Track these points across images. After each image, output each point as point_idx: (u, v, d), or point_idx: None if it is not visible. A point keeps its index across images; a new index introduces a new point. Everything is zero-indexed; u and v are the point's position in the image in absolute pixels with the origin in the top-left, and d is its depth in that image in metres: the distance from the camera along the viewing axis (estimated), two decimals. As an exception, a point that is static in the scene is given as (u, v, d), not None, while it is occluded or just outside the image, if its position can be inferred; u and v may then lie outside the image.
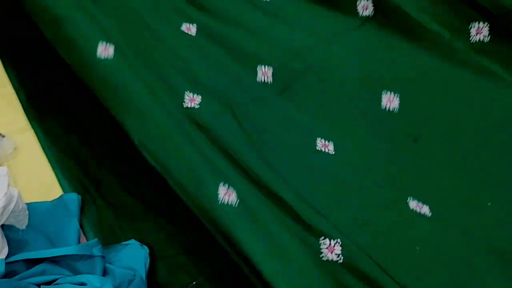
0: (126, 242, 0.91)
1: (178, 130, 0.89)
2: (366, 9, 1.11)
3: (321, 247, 0.78)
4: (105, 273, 0.82)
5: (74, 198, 0.97)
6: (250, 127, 0.95)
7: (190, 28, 1.07)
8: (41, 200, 0.95)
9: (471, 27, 1.04)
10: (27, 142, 1.08)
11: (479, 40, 1.03)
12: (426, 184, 0.92)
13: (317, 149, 0.94)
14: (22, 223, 0.82)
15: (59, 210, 0.94)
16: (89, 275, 0.77)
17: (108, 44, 0.97)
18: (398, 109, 1.01)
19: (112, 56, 0.96)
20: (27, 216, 0.82)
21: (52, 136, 1.09)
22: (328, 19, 1.12)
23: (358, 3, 1.11)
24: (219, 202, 0.81)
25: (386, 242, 0.83)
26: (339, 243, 0.78)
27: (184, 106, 0.93)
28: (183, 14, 1.09)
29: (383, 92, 1.02)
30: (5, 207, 0.75)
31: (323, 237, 0.79)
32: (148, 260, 0.89)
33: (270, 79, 1.02)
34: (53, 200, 0.96)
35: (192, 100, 0.94)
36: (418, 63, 1.05)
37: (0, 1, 1.28)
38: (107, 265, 0.83)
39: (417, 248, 0.82)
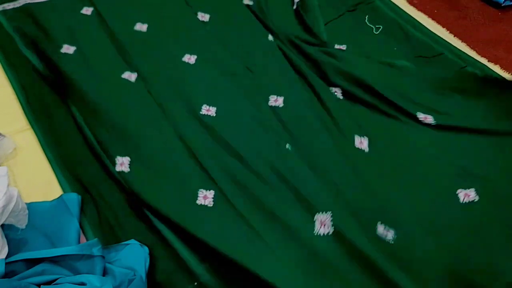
0: (126, 242, 0.91)
1: None
2: None
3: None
4: (105, 273, 0.82)
5: (74, 198, 0.97)
6: None
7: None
8: (41, 200, 0.96)
9: None
10: (27, 142, 1.08)
11: None
12: None
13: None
14: (21, 222, 0.82)
15: (59, 210, 0.94)
16: (89, 275, 0.77)
17: None
18: None
19: None
20: (27, 215, 0.82)
21: (52, 136, 1.09)
22: None
23: None
24: None
25: None
26: None
27: None
28: None
29: None
30: (4, 207, 0.75)
31: None
32: (148, 260, 0.89)
33: None
34: (53, 200, 0.96)
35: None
36: None
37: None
38: (107, 265, 0.83)
39: None
